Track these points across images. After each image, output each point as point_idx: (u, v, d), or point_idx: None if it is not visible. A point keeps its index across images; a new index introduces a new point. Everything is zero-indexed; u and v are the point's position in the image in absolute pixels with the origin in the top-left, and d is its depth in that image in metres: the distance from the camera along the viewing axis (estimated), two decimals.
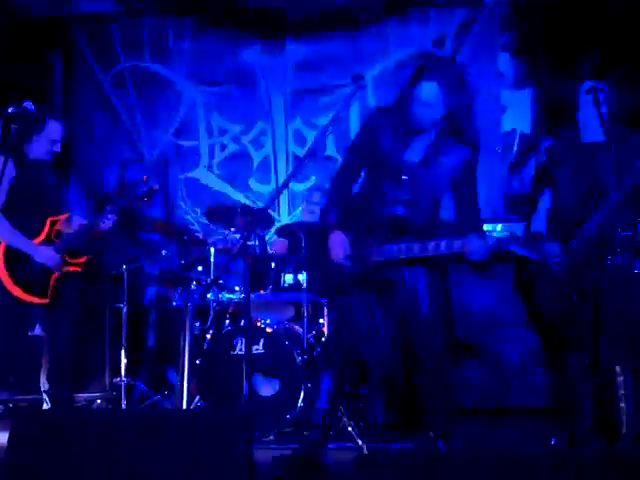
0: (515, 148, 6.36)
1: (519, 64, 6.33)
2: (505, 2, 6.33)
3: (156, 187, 4.96)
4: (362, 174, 3.73)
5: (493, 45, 6.33)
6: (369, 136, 3.61)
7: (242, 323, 4.86)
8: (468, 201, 3.65)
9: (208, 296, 5.02)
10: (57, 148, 4.28)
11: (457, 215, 3.62)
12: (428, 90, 3.42)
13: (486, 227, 5.17)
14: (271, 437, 4.51)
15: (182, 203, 6.40)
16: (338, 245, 3.59)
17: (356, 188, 3.75)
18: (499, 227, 5.23)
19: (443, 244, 3.43)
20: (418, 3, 6.34)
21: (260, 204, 6.31)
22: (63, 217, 4.33)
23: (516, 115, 6.27)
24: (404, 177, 3.55)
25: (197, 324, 5.10)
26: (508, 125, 6.33)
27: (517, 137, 6.36)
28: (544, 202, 3.84)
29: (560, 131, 4.01)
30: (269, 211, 6.02)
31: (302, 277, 5.02)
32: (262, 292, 5.05)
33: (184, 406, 4.75)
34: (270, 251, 5.50)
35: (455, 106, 3.45)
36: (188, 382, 4.80)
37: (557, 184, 3.78)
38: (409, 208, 3.56)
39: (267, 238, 5.64)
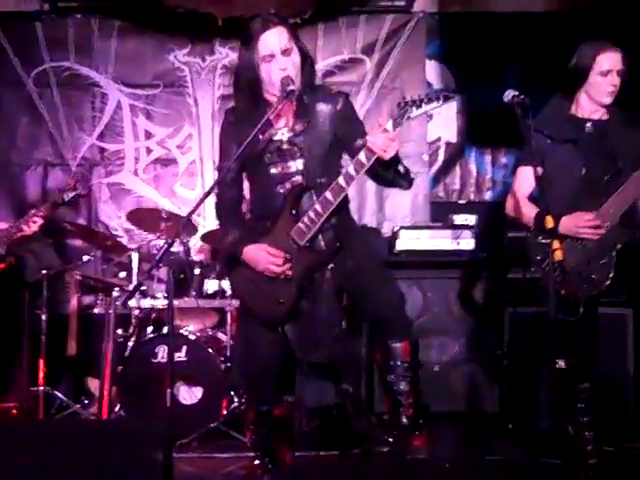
0: (441, 156, 6.43)
1: (446, 73, 6.40)
2: (433, 11, 6.40)
3: (83, 193, 4.89)
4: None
5: (421, 53, 6.37)
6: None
7: (164, 330, 4.81)
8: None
9: (130, 303, 4.94)
10: None
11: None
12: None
13: (411, 234, 5.25)
14: (194, 445, 4.48)
15: (105, 207, 6.27)
16: (261, 255, 3.45)
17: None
18: (424, 234, 5.27)
19: (350, 168, 3.31)
20: (348, 10, 6.33)
21: (186, 210, 6.25)
22: None
23: (442, 124, 6.32)
24: (284, 147, 3.48)
25: (119, 331, 5.02)
26: (434, 133, 6.38)
27: (443, 145, 6.43)
28: None
29: None
30: (194, 216, 5.97)
31: (226, 284, 4.98)
32: (185, 299, 5.00)
33: (104, 415, 4.67)
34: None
35: None
36: (109, 391, 4.73)
37: None
38: (305, 174, 3.46)
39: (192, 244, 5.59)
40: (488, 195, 6.39)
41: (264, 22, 3.38)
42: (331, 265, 3.50)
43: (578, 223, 3.65)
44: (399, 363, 3.48)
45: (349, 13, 6.36)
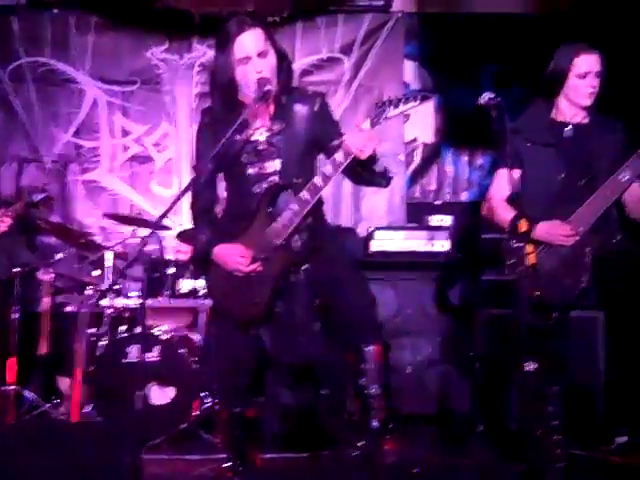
0: (417, 157, 6.43)
1: (423, 73, 6.40)
2: (412, 12, 6.39)
3: (52, 196, 4.88)
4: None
5: (399, 53, 6.37)
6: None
7: (137, 330, 4.78)
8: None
9: (103, 302, 4.91)
10: None
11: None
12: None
13: (386, 235, 5.25)
14: (164, 446, 4.46)
15: (81, 205, 6.22)
16: (229, 254, 3.45)
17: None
18: (399, 235, 5.27)
19: (326, 168, 3.31)
20: (325, 9, 6.32)
21: (162, 208, 6.21)
22: None
23: (419, 124, 6.32)
24: (261, 148, 3.47)
25: (92, 330, 4.98)
26: (411, 134, 6.38)
27: (420, 146, 6.43)
28: None
29: None
30: (170, 215, 5.93)
31: (199, 283, 4.96)
32: (159, 298, 4.97)
33: (74, 415, 4.64)
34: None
35: None
36: (79, 390, 4.70)
37: None
38: (282, 174, 3.46)
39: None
40: (464, 196, 6.40)
41: (239, 23, 3.35)
42: (305, 266, 3.50)
43: (552, 231, 3.65)
44: (370, 366, 3.48)
45: (327, 12, 6.35)
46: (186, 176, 6.20)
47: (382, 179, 3.46)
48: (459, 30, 6.23)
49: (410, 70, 6.40)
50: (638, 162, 3.60)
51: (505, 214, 3.76)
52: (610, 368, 4.46)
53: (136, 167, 6.33)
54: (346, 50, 6.37)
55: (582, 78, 3.73)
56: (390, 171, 3.52)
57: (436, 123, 6.38)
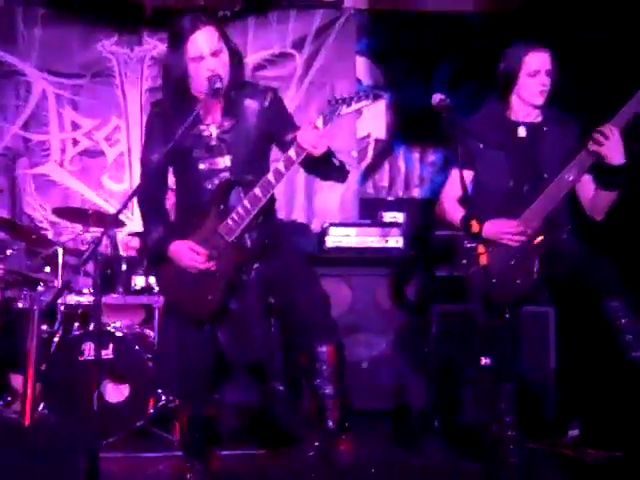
0: (370, 153, 6.48)
1: (375, 70, 6.45)
2: (363, 9, 6.43)
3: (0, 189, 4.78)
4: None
5: (351, 49, 6.40)
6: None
7: (91, 327, 4.74)
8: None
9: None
10: None
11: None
12: None
13: (340, 231, 5.28)
14: (120, 444, 4.43)
15: (30, 199, 6.14)
16: (185, 251, 3.40)
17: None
18: (353, 231, 5.30)
19: (279, 164, 3.30)
20: (277, 4, 6.32)
21: (113, 202, 6.17)
22: None
23: (371, 120, 6.37)
24: (212, 144, 3.46)
25: (44, 327, 4.92)
26: (363, 130, 6.43)
27: (372, 142, 6.48)
28: None
29: None
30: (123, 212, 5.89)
31: (153, 280, 4.93)
32: (112, 295, 4.93)
33: (28, 414, 4.58)
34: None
35: None
36: (33, 388, 4.64)
37: None
38: (233, 170, 3.45)
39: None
40: (416, 192, 6.48)
41: (193, 21, 3.34)
42: (256, 265, 3.50)
43: (501, 229, 3.71)
44: (325, 367, 3.50)
45: (279, 7, 6.35)
46: (138, 170, 6.13)
47: (339, 174, 3.48)
48: (410, 27, 6.29)
49: (362, 66, 6.45)
50: (583, 161, 3.67)
51: (457, 215, 3.81)
52: (561, 362, 4.56)
53: (87, 161, 6.27)
54: (298, 45, 6.39)
55: (533, 77, 3.78)
56: (347, 164, 3.55)
57: (388, 119, 6.44)
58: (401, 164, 6.49)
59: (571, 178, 3.67)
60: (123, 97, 6.30)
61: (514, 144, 3.82)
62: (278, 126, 3.48)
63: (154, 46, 6.32)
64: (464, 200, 3.66)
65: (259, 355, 4.50)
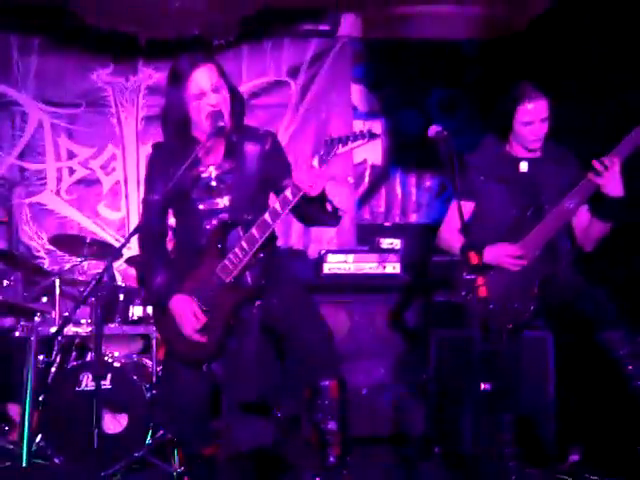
0: (366, 179, 6.50)
1: (371, 96, 6.48)
2: (357, 37, 6.46)
3: (3, 219, 4.78)
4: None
5: (346, 77, 6.43)
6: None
7: (88, 357, 4.72)
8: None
9: (53, 329, 4.83)
10: None
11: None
12: None
13: (337, 257, 5.27)
14: (118, 476, 4.40)
15: (27, 228, 6.13)
16: (184, 312, 3.42)
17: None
18: (350, 258, 5.30)
19: (276, 205, 3.29)
20: (272, 33, 6.35)
21: (110, 231, 6.16)
22: None
23: (367, 146, 6.38)
24: (212, 185, 3.48)
25: (41, 357, 4.89)
26: (359, 156, 6.45)
27: (368, 168, 6.50)
28: None
29: None
30: (118, 238, 5.90)
31: (151, 310, 4.91)
32: (110, 325, 4.92)
33: (25, 445, 4.54)
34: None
35: None
36: (30, 419, 4.60)
37: None
38: (232, 211, 3.47)
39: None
40: (413, 217, 6.49)
41: (192, 61, 3.38)
42: (258, 302, 3.50)
43: (501, 252, 3.72)
44: (327, 402, 3.48)
45: (273, 36, 6.38)
46: (134, 198, 6.16)
47: (332, 218, 3.47)
48: (404, 54, 6.32)
49: (358, 93, 6.49)
50: (583, 191, 3.68)
51: (457, 244, 3.82)
52: (560, 387, 4.54)
53: (83, 190, 6.26)
54: (293, 73, 6.41)
55: (527, 126, 3.79)
56: (341, 210, 3.54)
57: (384, 145, 6.46)
58: (398, 190, 6.50)
59: (571, 206, 3.69)
60: (119, 125, 6.31)
61: (516, 178, 3.84)
62: (276, 170, 3.50)
63: (149, 75, 6.34)
64: (462, 230, 3.66)
65: (260, 392, 4.46)
